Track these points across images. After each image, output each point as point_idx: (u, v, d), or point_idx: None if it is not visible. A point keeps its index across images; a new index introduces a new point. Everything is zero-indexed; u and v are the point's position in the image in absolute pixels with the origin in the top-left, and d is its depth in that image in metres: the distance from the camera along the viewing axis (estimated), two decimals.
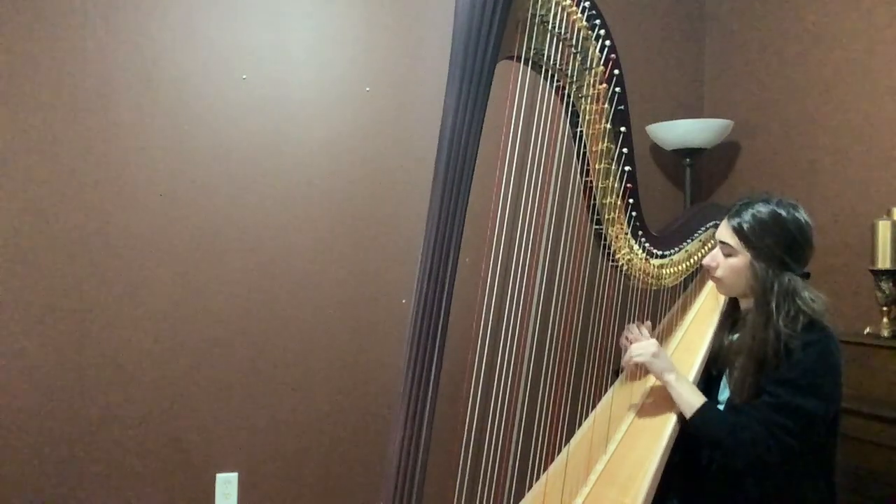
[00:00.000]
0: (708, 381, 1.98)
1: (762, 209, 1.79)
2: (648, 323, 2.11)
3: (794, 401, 1.65)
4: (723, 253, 1.85)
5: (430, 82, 2.87)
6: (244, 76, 2.65)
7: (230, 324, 2.65)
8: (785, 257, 1.75)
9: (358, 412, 2.82)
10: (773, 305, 1.72)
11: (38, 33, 2.40)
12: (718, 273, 1.87)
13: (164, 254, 2.56)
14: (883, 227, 2.39)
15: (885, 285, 2.40)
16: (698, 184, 3.30)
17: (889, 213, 2.42)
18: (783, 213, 1.78)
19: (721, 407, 1.87)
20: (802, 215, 1.80)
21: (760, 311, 1.75)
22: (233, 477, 2.65)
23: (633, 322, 2.06)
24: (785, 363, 1.68)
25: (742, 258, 1.80)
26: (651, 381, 2.02)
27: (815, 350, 1.68)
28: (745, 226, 1.78)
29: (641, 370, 2.01)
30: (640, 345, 1.89)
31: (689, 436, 1.80)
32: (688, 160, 3.11)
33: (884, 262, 2.39)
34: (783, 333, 1.69)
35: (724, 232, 1.84)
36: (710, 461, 1.80)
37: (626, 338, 2.04)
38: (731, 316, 2.00)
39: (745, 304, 1.90)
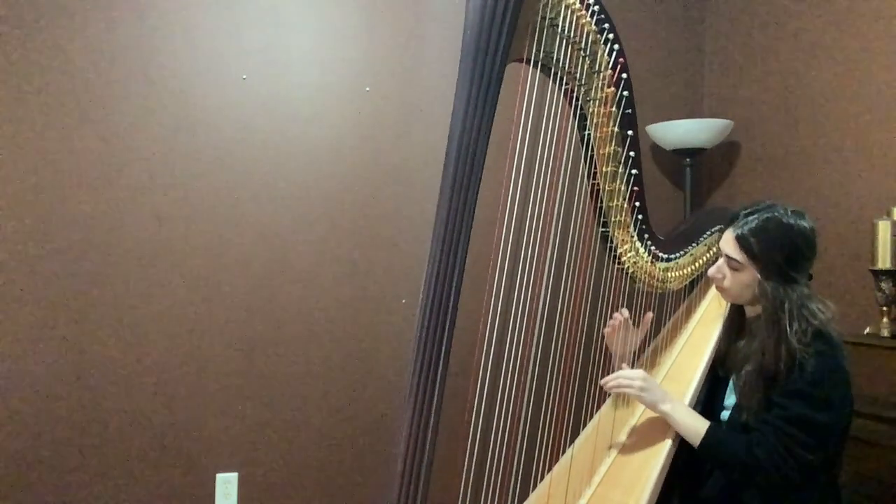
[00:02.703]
0: (713, 384, 1.98)
1: (768, 222, 1.74)
2: (625, 310, 2.02)
3: (807, 413, 1.62)
4: (729, 266, 1.79)
5: (430, 82, 2.87)
6: (244, 76, 2.65)
7: (230, 323, 2.64)
8: (792, 271, 1.72)
9: (358, 412, 2.82)
10: (785, 323, 1.68)
11: (37, 34, 2.39)
12: (725, 284, 1.82)
13: (163, 254, 2.55)
14: (883, 227, 2.39)
15: (885, 285, 2.41)
16: (698, 184, 3.31)
17: (889, 213, 2.43)
18: (791, 223, 1.73)
19: (726, 413, 1.87)
20: (808, 223, 1.75)
21: (771, 329, 1.71)
22: (233, 477, 2.65)
23: (619, 310, 1.99)
24: (795, 375, 1.65)
25: (749, 274, 1.75)
26: None
27: (825, 362, 1.65)
28: (752, 240, 1.73)
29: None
30: (627, 374, 1.82)
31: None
32: (688, 160, 3.12)
33: (884, 262, 2.39)
34: (795, 349, 1.65)
35: (729, 245, 1.78)
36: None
37: (613, 327, 1.99)
38: (737, 321, 1.96)
39: (750, 310, 1.87)
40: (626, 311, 2.00)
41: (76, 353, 2.45)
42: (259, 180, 2.67)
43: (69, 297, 2.44)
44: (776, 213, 1.75)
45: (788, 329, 1.67)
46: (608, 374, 1.90)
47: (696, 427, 1.75)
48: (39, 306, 2.41)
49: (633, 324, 2.03)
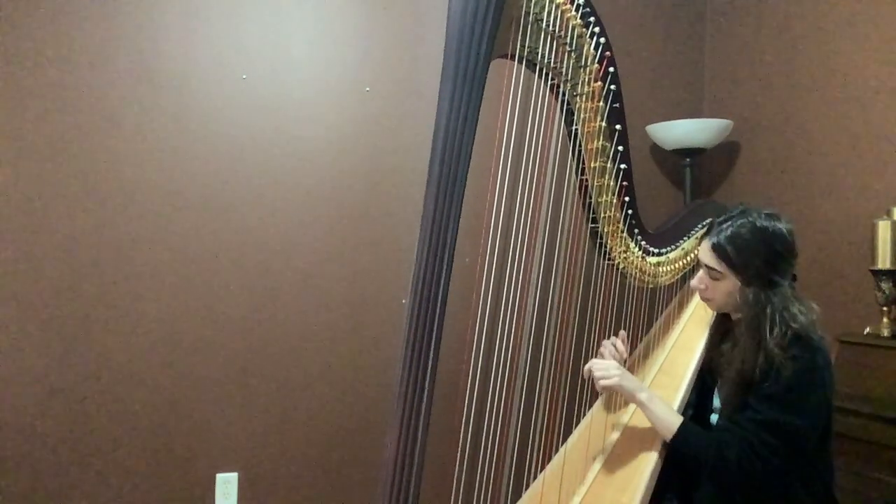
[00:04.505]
0: (702, 390, 1.97)
1: (743, 227, 1.72)
2: (623, 333, 2.02)
3: (778, 417, 1.62)
4: (710, 277, 1.79)
5: (429, 82, 2.87)
6: (244, 76, 2.66)
7: (230, 324, 2.65)
8: (772, 275, 1.70)
9: (358, 412, 2.82)
10: (766, 328, 1.67)
11: (37, 34, 2.41)
12: (708, 295, 1.82)
13: (163, 253, 2.56)
14: (883, 227, 2.38)
15: (885, 285, 2.39)
16: (698, 184, 3.29)
17: (889, 213, 2.42)
18: (765, 225, 1.72)
19: (715, 416, 1.86)
20: (784, 225, 1.73)
21: (752, 335, 1.70)
22: (233, 477, 2.66)
23: (610, 339, 1.98)
24: (770, 379, 1.65)
25: (731, 282, 1.75)
26: (647, 381, 2.02)
27: (801, 365, 1.63)
28: (729, 249, 1.72)
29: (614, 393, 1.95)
30: (603, 365, 1.80)
31: None
32: (688, 160, 3.11)
33: (884, 262, 2.38)
34: (773, 355, 1.65)
35: (708, 256, 1.77)
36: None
37: (602, 355, 1.96)
38: (723, 325, 1.95)
39: (736, 314, 1.86)
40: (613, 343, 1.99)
41: (76, 354, 2.46)
42: (258, 180, 2.68)
43: (69, 299, 2.45)
44: (749, 218, 1.73)
45: (769, 334, 1.66)
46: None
47: (669, 421, 1.74)
48: (39, 307, 2.42)
49: (624, 321, 2.03)
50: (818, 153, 2.84)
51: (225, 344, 2.65)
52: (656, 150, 3.27)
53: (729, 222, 1.75)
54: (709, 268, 1.78)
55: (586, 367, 1.81)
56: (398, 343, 2.80)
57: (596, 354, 1.98)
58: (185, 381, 2.60)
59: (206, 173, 2.62)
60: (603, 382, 1.77)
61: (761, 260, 1.71)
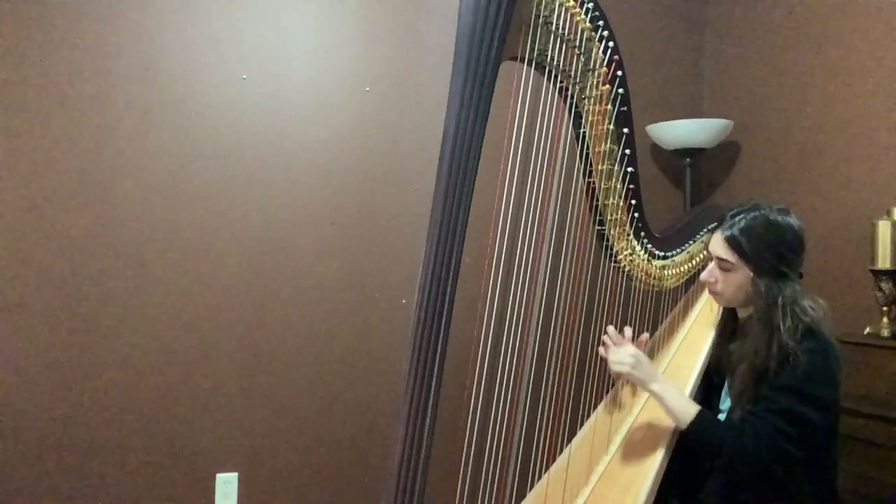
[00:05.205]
0: (709, 389, 1.97)
1: (756, 220, 1.74)
2: (628, 330, 1.94)
3: (795, 408, 1.62)
4: (720, 268, 1.79)
5: (430, 82, 2.87)
6: (244, 76, 2.65)
7: (230, 324, 2.64)
8: (783, 268, 1.72)
9: (358, 412, 2.82)
10: (778, 319, 1.68)
11: (37, 34, 2.40)
12: (718, 288, 1.82)
13: (164, 254, 2.56)
14: (883, 227, 2.39)
15: (885, 285, 2.40)
16: (698, 184, 3.30)
17: (889, 213, 2.43)
18: (779, 220, 1.73)
19: (722, 416, 1.86)
20: (795, 220, 1.75)
21: (763, 327, 1.70)
22: (233, 477, 2.65)
23: (615, 328, 1.92)
24: (784, 371, 1.65)
25: (742, 274, 1.75)
26: None
27: (815, 359, 1.64)
28: (742, 239, 1.73)
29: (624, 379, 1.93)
30: (618, 353, 1.80)
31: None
32: (688, 160, 3.12)
33: (884, 262, 2.39)
34: (787, 346, 1.65)
35: (719, 247, 1.77)
36: (712, 468, 1.79)
37: (604, 344, 1.90)
38: (730, 324, 1.95)
39: (742, 312, 1.86)
40: (611, 330, 1.93)
41: (77, 354, 2.45)
42: (259, 181, 2.67)
43: (70, 299, 2.44)
44: (762, 212, 1.75)
45: (781, 325, 1.67)
46: (605, 372, 1.89)
47: (685, 410, 1.74)
48: (40, 307, 2.41)
49: (630, 324, 2.02)
50: (818, 153, 2.85)
51: (225, 344, 2.64)
52: (656, 150, 3.27)
53: (741, 215, 1.76)
54: (720, 259, 1.78)
55: (609, 354, 1.82)
56: (399, 343, 2.82)
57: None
58: (185, 382, 2.59)
59: (207, 174, 2.61)
60: (614, 369, 1.79)
61: (773, 252, 1.72)
